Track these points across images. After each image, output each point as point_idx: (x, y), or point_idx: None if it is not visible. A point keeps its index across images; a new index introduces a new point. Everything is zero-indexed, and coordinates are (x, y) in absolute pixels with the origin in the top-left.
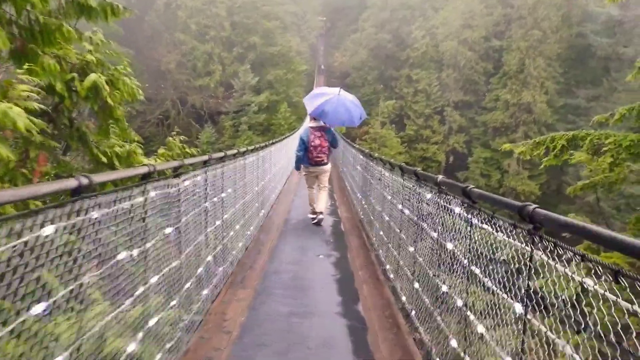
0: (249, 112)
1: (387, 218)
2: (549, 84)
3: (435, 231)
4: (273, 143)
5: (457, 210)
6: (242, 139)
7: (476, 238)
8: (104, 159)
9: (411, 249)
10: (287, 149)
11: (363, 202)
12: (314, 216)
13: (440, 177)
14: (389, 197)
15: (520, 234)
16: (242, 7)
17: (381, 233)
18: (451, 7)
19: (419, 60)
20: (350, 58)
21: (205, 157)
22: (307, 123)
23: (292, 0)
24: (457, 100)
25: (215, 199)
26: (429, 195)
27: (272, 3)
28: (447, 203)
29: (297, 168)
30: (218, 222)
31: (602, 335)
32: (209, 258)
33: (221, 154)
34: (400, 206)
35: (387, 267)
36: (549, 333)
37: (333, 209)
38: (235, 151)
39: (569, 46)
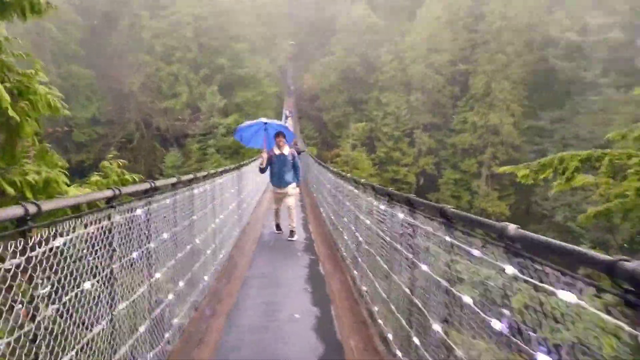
0: (217, 134)
1: (384, 266)
2: (515, 107)
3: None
4: (237, 167)
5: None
6: (209, 162)
7: None
8: (11, 190)
9: (437, 327)
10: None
11: (345, 237)
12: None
13: (512, 226)
14: (396, 245)
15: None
16: (210, 28)
17: (376, 285)
18: (417, 31)
19: (388, 83)
20: (319, 81)
21: (109, 193)
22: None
23: (261, 23)
24: (426, 123)
25: (134, 255)
26: (476, 252)
27: (240, 25)
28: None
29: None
30: (142, 289)
31: None
32: (124, 350)
33: (146, 185)
34: (410, 257)
35: (389, 335)
36: None
37: (309, 244)
38: (172, 180)
39: (533, 70)
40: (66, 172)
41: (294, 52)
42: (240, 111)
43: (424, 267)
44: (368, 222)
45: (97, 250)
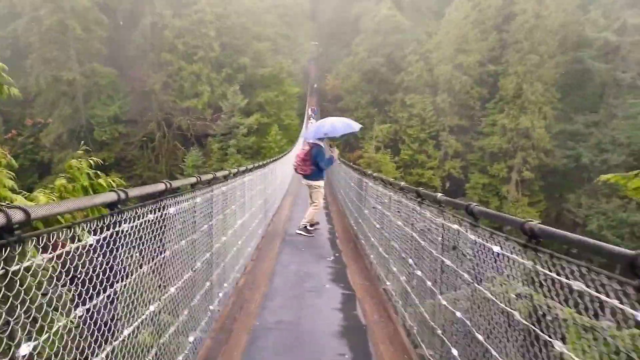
0: (237, 134)
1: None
2: (547, 109)
3: None
4: (251, 168)
5: None
6: (230, 162)
7: None
8: None
9: None
10: (276, 175)
11: (394, 269)
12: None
13: None
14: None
15: None
16: (232, 28)
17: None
18: (444, 31)
19: (413, 84)
20: (343, 82)
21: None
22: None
23: (284, 23)
24: (453, 125)
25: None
26: None
27: (263, 25)
28: None
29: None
30: None
31: None
32: None
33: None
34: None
35: None
36: None
37: (340, 268)
38: (108, 196)
39: (566, 71)
40: (11, 174)
41: (317, 52)
42: (262, 111)
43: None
44: (448, 262)
45: None
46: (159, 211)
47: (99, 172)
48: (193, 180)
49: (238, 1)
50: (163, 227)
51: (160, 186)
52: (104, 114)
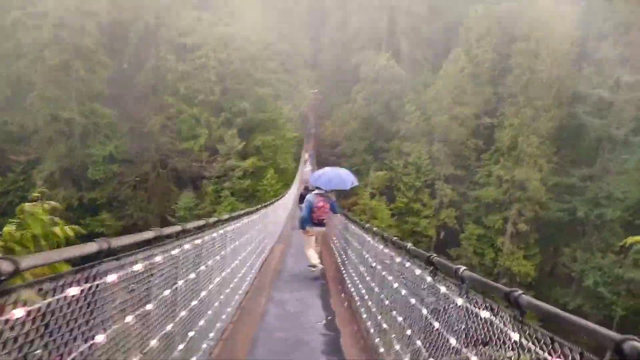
0: (232, 177)
1: None
2: (543, 162)
3: None
4: (233, 217)
5: None
6: (224, 205)
7: None
8: None
9: None
10: (267, 222)
11: (393, 340)
12: (314, 268)
13: None
14: None
15: None
16: (235, 73)
17: None
18: (441, 83)
19: (410, 133)
20: (340, 128)
21: None
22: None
23: (285, 71)
24: (448, 174)
25: None
26: None
27: (265, 71)
28: None
29: (302, 227)
30: None
31: None
32: None
33: None
34: None
35: None
36: None
37: (334, 341)
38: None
39: (562, 125)
40: None
41: (316, 99)
42: (258, 154)
43: None
44: None
45: None
46: (86, 282)
47: (55, 218)
48: (150, 234)
49: (242, 48)
50: (94, 304)
51: (92, 247)
52: (99, 153)
